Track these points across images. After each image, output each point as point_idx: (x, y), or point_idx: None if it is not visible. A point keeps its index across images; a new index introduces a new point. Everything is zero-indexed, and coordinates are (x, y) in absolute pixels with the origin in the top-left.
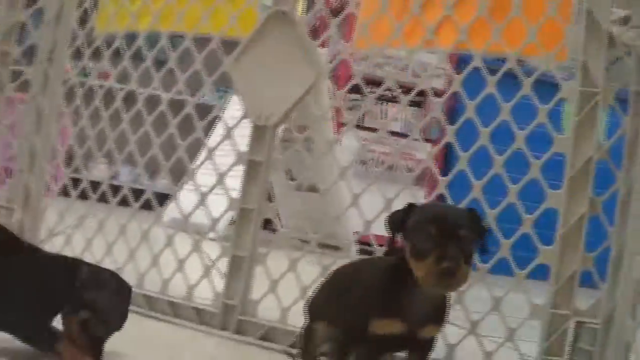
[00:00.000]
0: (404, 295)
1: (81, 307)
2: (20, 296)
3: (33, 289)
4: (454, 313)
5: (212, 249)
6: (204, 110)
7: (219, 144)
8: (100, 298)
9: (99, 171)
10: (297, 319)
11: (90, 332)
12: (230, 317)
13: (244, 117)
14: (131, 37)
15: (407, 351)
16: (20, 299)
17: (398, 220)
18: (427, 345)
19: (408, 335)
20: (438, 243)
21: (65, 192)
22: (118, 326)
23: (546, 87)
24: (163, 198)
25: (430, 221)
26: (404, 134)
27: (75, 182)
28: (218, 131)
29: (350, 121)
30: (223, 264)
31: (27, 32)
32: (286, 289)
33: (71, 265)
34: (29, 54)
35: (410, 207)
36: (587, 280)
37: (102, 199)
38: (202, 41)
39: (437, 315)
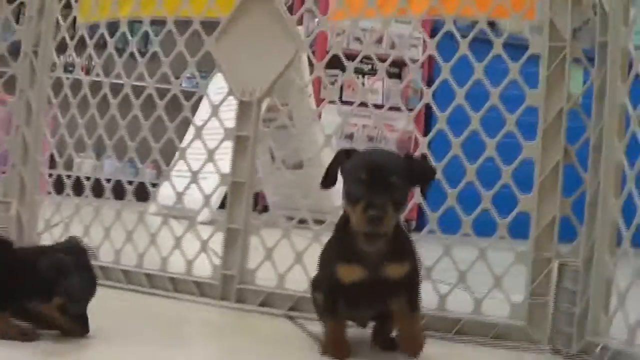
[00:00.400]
0: (358, 242)
1: (53, 295)
2: None
3: None
4: (441, 269)
5: (205, 232)
6: (186, 96)
7: (206, 122)
8: (68, 282)
9: (84, 165)
10: (294, 284)
11: (70, 313)
12: (230, 287)
13: (229, 94)
14: (111, 27)
15: (392, 302)
16: None
17: (336, 163)
18: (404, 286)
19: (375, 280)
20: (367, 190)
21: (57, 188)
22: (91, 295)
23: (520, 50)
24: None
25: (362, 167)
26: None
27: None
28: (201, 114)
29: (330, 93)
30: (217, 244)
31: (10, 28)
32: (281, 256)
33: (31, 256)
34: (15, 50)
35: (350, 151)
36: (565, 235)
37: (92, 193)
38: (183, 25)
39: (396, 254)
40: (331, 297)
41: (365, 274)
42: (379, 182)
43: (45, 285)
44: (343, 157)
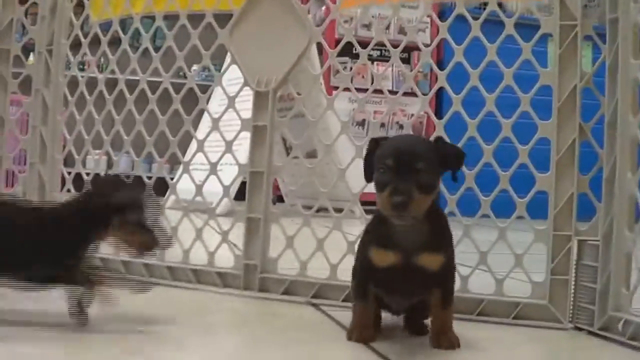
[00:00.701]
0: (394, 229)
1: (109, 219)
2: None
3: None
4: (461, 251)
5: (224, 224)
6: (191, 93)
7: (223, 113)
8: (112, 200)
9: (97, 163)
10: (316, 272)
11: (135, 223)
12: (252, 277)
13: (244, 85)
14: (120, 24)
15: (425, 293)
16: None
17: (369, 153)
18: (437, 279)
19: (408, 267)
20: (393, 176)
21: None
22: (142, 201)
23: (529, 29)
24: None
25: (389, 154)
26: (396, 92)
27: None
28: (212, 106)
29: (344, 80)
30: (234, 236)
31: (24, 28)
32: (302, 243)
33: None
34: (30, 50)
35: (380, 140)
36: (584, 212)
37: None
38: (195, 19)
39: (431, 244)
40: (363, 280)
41: (398, 260)
42: (404, 168)
43: (100, 218)
44: (374, 146)
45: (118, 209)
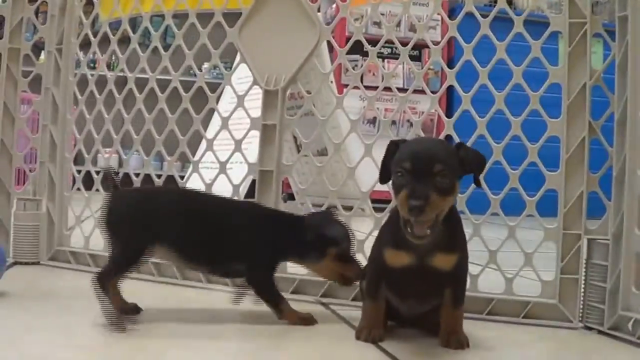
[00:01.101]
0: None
1: (325, 248)
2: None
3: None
4: (471, 250)
5: None
6: (201, 92)
7: (232, 112)
8: (328, 231)
9: (107, 162)
10: None
11: (347, 255)
12: None
13: (254, 83)
14: (129, 22)
15: (438, 294)
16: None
17: (388, 155)
18: (449, 278)
19: (421, 268)
20: (411, 179)
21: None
22: (351, 238)
23: (538, 26)
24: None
25: (407, 157)
26: (407, 90)
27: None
28: (223, 104)
29: (353, 78)
30: None
31: (34, 27)
32: None
33: (290, 221)
34: (40, 48)
35: (399, 142)
36: (594, 210)
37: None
38: (204, 17)
39: (445, 244)
40: (375, 280)
41: (411, 261)
42: (422, 171)
43: (311, 244)
44: (393, 148)
45: (335, 241)
